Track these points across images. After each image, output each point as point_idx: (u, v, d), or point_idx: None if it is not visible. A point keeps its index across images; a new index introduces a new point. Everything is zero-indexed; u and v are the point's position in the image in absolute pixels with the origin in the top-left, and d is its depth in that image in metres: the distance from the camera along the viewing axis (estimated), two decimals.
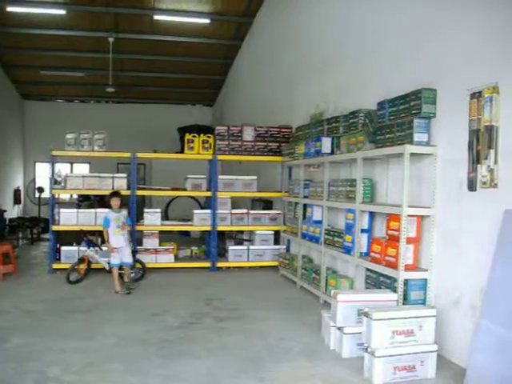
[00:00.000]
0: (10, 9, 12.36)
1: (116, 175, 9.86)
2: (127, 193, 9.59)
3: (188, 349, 5.41)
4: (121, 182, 9.67)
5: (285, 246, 10.06)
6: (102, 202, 14.31)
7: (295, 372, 4.83)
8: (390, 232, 5.73)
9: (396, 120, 5.78)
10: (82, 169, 19.41)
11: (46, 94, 20.32)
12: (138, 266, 9.00)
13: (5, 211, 14.28)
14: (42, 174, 18.85)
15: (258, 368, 4.90)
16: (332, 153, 7.54)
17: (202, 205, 13.12)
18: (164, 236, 10.48)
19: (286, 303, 7.46)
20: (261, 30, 13.44)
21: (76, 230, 9.32)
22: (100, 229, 9.48)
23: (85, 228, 9.32)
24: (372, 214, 6.69)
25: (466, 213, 4.99)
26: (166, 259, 9.79)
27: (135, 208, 9.52)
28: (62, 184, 9.87)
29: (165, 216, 12.87)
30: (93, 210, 9.70)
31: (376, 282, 6.12)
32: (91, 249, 8.82)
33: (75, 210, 9.76)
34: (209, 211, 10.02)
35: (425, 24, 5.73)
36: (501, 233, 4.38)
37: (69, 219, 9.43)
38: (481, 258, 4.69)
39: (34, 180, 19.82)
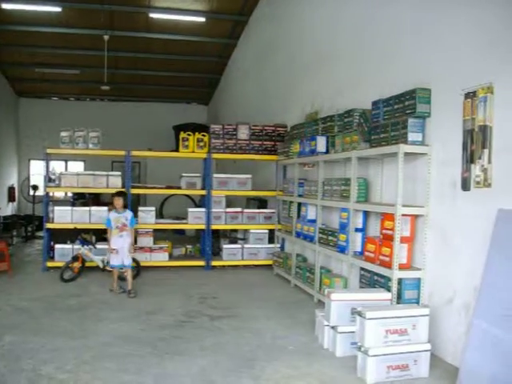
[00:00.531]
0: (4, 6, 12.30)
1: (110, 173, 9.83)
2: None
3: (182, 347, 5.41)
4: (115, 181, 9.65)
5: (279, 245, 10.06)
6: (96, 200, 14.35)
7: (289, 371, 4.83)
8: (384, 231, 5.75)
9: (390, 119, 5.79)
10: (77, 167, 19.33)
11: (40, 91, 20.23)
12: (133, 264, 8.97)
13: None
14: (37, 171, 18.78)
15: (252, 367, 4.90)
16: (327, 152, 7.54)
17: (196, 203, 13.12)
18: (159, 234, 10.48)
19: (280, 302, 7.47)
20: (256, 28, 13.44)
21: (70, 228, 9.29)
22: (94, 227, 9.53)
23: (79, 226, 9.31)
24: (366, 213, 6.70)
25: (460, 212, 5.00)
26: (160, 257, 9.77)
27: (130, 206, 9.50)
28: (57, 182, 9.86)
29: (159, 214, 12.84)
30: (87, 208, 9.69)
31: (370, 281, 6.14)
32: (85, 247, 8.81)
33: (69, 208, 9.74)
34: (203, 210, 10.02)
35: (420, 23, 5.74)
36: (494, 232, 4.40)
37: (63, 217, 9.41)
38: (474, 257, 4.71)
39: (28, 178, 19.76)
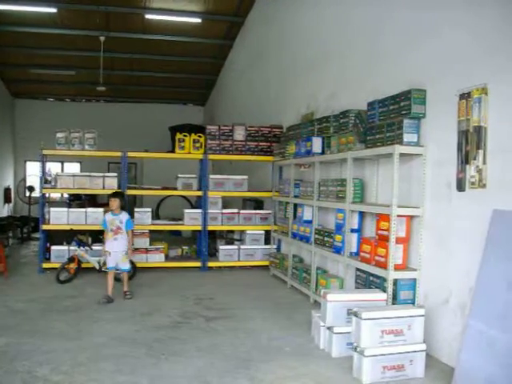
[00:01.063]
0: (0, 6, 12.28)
1: (107, 174, 9.83)
2: None
3: (178, 348, 5.40)
4: (111, 182, 9.64)
5: (275, 246, 10.07)
6: (92, 201, 14.33)
7: (285, 371, 4.83)
8: (379, 232, 5.75)
9: (386, 120, 5.80)
10: (73, 168, 19.32)
11: (36, 92, 20.17)
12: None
13: None
14: (33, 172, 18.74)
15: (248, 367, 4.90)
16: (322, 153, 7.55)
17: (193, 204, 13.12)
18: (155, 235, 10.48)
19: (277, 303, 7.47)
20: (252, 29, 13.44)
21: (66, 229, 9.28)
22: (90, 228, 9.51)
23: (75, 227, 9.29)
24: (362, 214, 6.71)
25: (455, 213, 5.02)
26: (156, 259, 9.77)
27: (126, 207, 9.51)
28: (53, 183, 9.82)
29: (156, 215, 12.83)
30: (83, 210, 9.68)
31: (366, 281, 6.15)
32: (81, 248, 8.80)
33: (65, 209, 9.72)
34: (199, 211, 10.03)
35: (415, 25, 5.75)
36: (489, 233, 4.41)
37: (59, 218, 9.39)
38: (470, 257, 4.73)
39: (24, 179, 19.72)
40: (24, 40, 14.72)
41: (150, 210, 9.99)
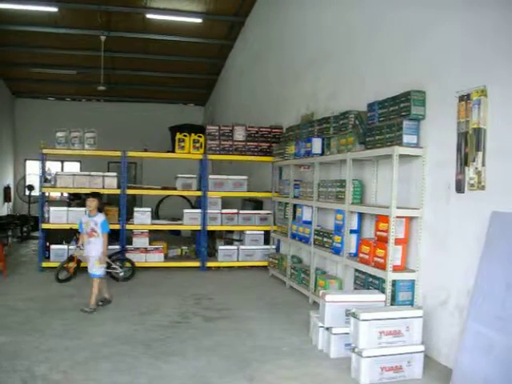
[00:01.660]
0: (1, 5, 12.27)
1: (106, 174, 9.84)
2: (117, 192, 9.60)
3: (176, 348, 5.41)
4: (111, 181, 9.66)
5: (275, 246, 10.08)
6: None
7: (283, 372, 4.84)
8: (378, 233, 5.76)
9: (385, 121, 5.81)
10: (73, 167, 19.33)
11: (37, 91, 20.20)
12: (128, 264, 8.99)
13: None
14: (33, 171, 18.74)
15: (247, 368, 4.91)
16: (322, 153, 7.56)
17: (192, 204, 13.12)
18: (154, 235, 10.48)
19: (275, 303, 7.48)
20: (253, 29, 13.45)
21: (66, 228, 9.28)
22: None
23: (74, 226, 9.26)
24: (361, 215, 6.71)
25: (454, 214, 5.03)
26: (155, 258, 9.77)
27: (126, 207, 9.52)
28: (52, 182, 9.82)
29: (155, 215, 12.83)
30: (83, 209, 9.63)
31: (365, 282, 6.15)
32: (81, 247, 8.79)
33: (65, 209, 9.72)
34: (199, 211, 10.03)
35: (415, 26, 5.76)
36: (488, 234, 4.42)
37: (58, 217, 9.41)
38: (468, 259, 4.73)
39: (24, 178, 19.70)
40: (25, 39, 14.73)
41: (149, 209, 10.00)
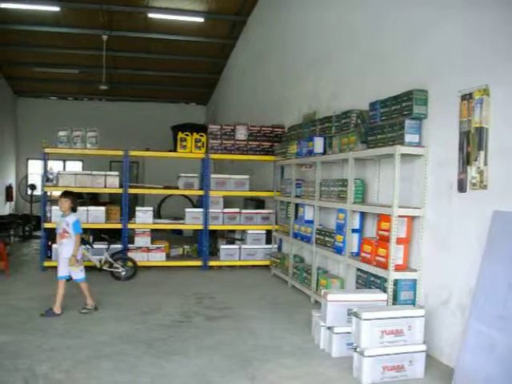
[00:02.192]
0: (3, 5, 12.28)
1: (108, 173, 9.85)
2: (119, 191, 9.60)
3: (178, 347, 5.41)
4: (113, 180, 9.67)
5: (276, 246, 10.07)
6: (94, 200, 14.36)
7: (285, 371, 4.84)
8: (380, 232, 5.75)
9: (387, 121, 5.80)
10: (75, 166, 19.34)
11: (39, 90, 20.23)
12: (130, 264, 9.00)
13: None
14: (35, 171, 18.76)
15: (249, 367, 4.91)
16: (324, 153, 7.55)
17: (194, 203, 13.12)
18: (156, 234, 10.48)
19: (277, 302, 7.48)
20: (255, 29, 13.45)
21: None
22: (91, 226, 9.53)
23: None
24: (363, 214, 6.71)
25: (456, 214, 5.02)
26: (157, 257, 9.76)
27: (128, 206, 9.53)
28: (54, 181, 9.83)
29: (157, 214, 12.85)
30: (85, 208, 9.67)
31: (366, 281, 6.15)
32: (83, 247, 8.78)
33: None
34: (201, 210, 10.03)
35: (417, 25, 5.75)
36: (490, 234, 4.41)
37: None
38: (470, 258, 4.72)
39: (26, 177, 19.72)
40: (27, 38, 14.75)
41: (151, 209, 10.00)
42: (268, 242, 10.22)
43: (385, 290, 5.54)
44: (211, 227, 10.01)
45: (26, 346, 5.32)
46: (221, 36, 15.13)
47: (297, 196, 8.49)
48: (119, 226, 9.47)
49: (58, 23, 13.71)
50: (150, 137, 18.30)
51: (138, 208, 9.96)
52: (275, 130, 10.33)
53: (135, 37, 14.79)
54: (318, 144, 7.63)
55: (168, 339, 5.66)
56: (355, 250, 6.57)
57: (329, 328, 5.36)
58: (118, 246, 9.32)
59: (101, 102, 21.20)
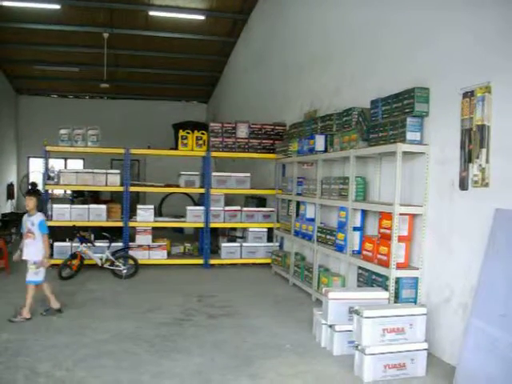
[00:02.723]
0: (3, 3, 12.28)
1: (109, 171, 9.86)
2: (121, 189, 9.60)
3: (180, 345, 5.41)
4: (114, 179, 9.67)
5: (278, 244, 10.06)
6: (95, 198, 14.36)
7: (286, 369, 4.83)
8: (382, 230, 5.74)
9: (389, 118, 5.79)
10: (76, 164, 19.35)
11: (40, 88, 20.27)
12: (131, 262, 8.99)
13: None
14: (36, 169, 18.78)
15: (250, 364, 4.91)
16: (325, 151, 7.54)
17: (195, 201, 13.12)
18: (157, 232, 10.48)
19: (278, 300, 7.48)
20: (256, 27, 13.43)
21: (69, 225, 9.29)
22: (93, 224, 9.54)
23: (78, 224, 9.30)
24: (364, 212, 6.69)
25: (458, 211, 5.01)
26: (158, 256, 9.77)
27: (129, 204, 9.53)
28: (56, 180, 9.84)
29: (158, 212, 12.85)
30: (86, 206, 9.68)
31: (368, 280, 6.14)
32: (84, 245, 8.81)
33: (68, 206, 9.72)
34: (202, 208, 10.02)
35: (419, 24, 5.73)
36: (491, 231, 4.40)
37: (62, 215, 9.41)
38: (472, 256, 4.72)
39: (27, 175, 19.76)
40: (28, 36, 14.76)
41: (152, 207, 9.99)
42: (269, 239, 10.21)
43: (386, 288, 5.53)
44: (212, 225, 10.00)
45: (27, 344, 5.31)
46: (222, 34, 15.12)
47: (298, 194, 8.48)
48: (120, 224, 9.47)
49: (59, 21, 13.70)
50: (150, 135, 18.37)
51: (139, 206, 9.96)
52: (276, 127, 10.33)
53: (136, 35, 14.80)
54: (320, 142, 7.62)
55: (169, 337, 5.66)
56: (356, 248, 6.55)
57: (330, 326, 5.35)
58: (119, 244, 9.32)
59: (102, 100, 21.22)
